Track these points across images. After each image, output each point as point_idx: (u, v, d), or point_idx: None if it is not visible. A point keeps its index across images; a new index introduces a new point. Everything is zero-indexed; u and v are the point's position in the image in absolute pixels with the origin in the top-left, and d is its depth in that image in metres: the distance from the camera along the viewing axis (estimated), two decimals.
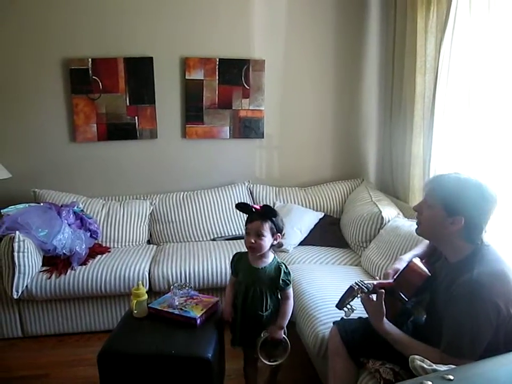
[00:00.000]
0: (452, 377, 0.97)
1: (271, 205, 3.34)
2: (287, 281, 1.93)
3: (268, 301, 1.93)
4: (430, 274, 1.64)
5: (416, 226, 1.62)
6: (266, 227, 1.88)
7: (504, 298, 1.35)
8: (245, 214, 1.97)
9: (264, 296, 1.92)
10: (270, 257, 1.97)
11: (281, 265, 1.95)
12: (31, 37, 3.15)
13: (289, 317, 1.97)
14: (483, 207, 1.43)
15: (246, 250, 1.97)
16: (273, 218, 1.90)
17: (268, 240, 1.90)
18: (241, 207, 1.97)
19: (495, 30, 2.03)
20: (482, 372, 1.05)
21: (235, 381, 2.24)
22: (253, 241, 1.88)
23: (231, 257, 2.09)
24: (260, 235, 1.88)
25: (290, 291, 1.97)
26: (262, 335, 1.89)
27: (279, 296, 1.96)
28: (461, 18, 2.27)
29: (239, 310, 1.96)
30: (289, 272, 1.97)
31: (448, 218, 1.46)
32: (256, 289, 1.92)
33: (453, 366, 1.12)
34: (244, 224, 1.99)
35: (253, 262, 1.96)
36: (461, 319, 1.37)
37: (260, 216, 1.89)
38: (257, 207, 1.92)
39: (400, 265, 1.78)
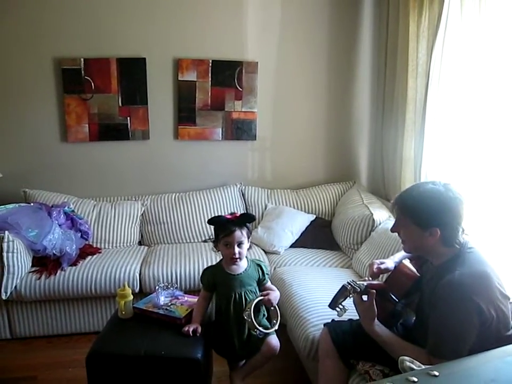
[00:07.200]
0: (437, 373, 0.98)
1: (263, 207, 3.38)
2: (268, 274, 2.00)
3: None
4: (419, 276, 1.65)
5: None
6: (245, 234, 1.88)
7: (485, 298, 1.36)
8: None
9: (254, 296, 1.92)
10: (245, 258, 1.96)
11: (259, 262, 1.99)
12: (23, 36, 3.13)
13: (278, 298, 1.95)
14: (451, 211, 1.46)
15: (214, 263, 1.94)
16: (248, 223, 1.91)
17: (247, 246, 1.91)
18: (215, 221, 1.91)
19: (486, 35, 2.05)
20: (467, 367, 1.07)
21: (225, 383, 2.22)
22: (237, 253, 1.85)
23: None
24: (240, 244, 1.87)
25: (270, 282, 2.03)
26: (255, 299, 1.84)
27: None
28: (452, 22, 2.29)
29: (233, 323, 1.90)
30: (266, 265, 2.06)
31: (425, 233, 1.49)
32: (245, 294, 1.90)
33: None
34: (216, 235, 1.93)
35: (232, 271, 1.93)
36: (443, 319, 1.39)
37: (237, 224, 1.86)
38: (231, 217, 1.88)
39: (389, 262, 1.80)
